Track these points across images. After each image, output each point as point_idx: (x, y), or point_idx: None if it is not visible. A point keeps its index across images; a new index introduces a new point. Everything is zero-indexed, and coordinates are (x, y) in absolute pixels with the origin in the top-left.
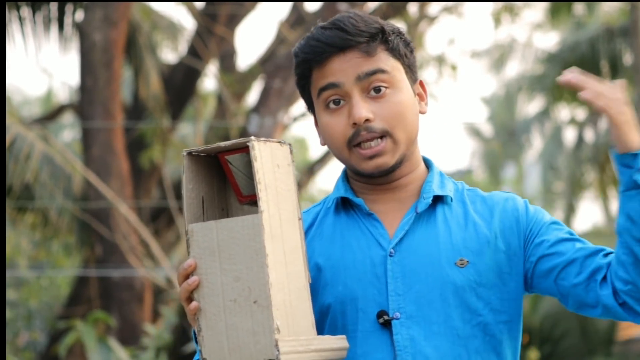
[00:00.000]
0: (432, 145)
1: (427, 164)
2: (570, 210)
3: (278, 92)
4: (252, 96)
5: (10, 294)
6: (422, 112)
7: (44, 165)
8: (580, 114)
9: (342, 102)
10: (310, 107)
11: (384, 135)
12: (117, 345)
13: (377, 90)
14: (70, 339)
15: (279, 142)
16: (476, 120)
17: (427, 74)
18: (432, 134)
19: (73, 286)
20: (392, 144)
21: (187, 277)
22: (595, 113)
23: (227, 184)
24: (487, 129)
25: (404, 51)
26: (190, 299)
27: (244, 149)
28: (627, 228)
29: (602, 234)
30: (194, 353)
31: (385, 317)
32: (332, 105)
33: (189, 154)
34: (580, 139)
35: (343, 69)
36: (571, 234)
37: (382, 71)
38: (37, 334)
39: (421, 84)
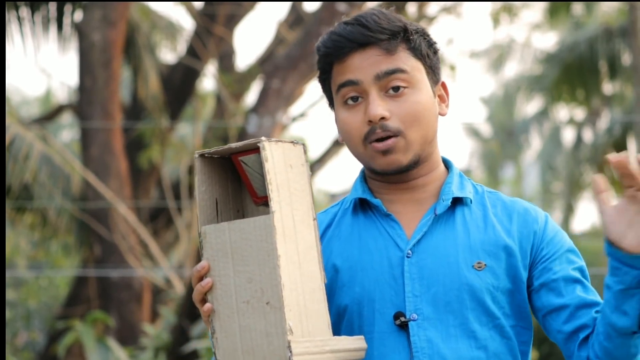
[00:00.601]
0: None
1: (447, 164)
2: (568, 210)
3: (277, 92)
4: (251, 96)
5: (9, 294)
6: (441, 114)
7: (42, 165)
8: (579, 114)
9: (360, 99)
10: (331, 102)
11: (398, 134)
12: (116, 345)
13: (396, 89)
14: (69, 339)
15: (292, 142)
16: (475, 120)
17: None
18: None
19: (72, 286)
20: (405, 143)
21: (201, 278)
22: (594, 113)
23: (242, 185)
24: (485, 129)
25: (427, 51)
26: (204, 300)
27: (257, 150)
28: (620, 324)
29: (600, 234)
30: (193, 353)
31: (402, 319)
32: (350, 102)
33: (201, 155)
34: (578, 139)
35: (362, 66)
36: (581, 270)
37: (402, 71)
38: (36, 334)
39: (443, 86)
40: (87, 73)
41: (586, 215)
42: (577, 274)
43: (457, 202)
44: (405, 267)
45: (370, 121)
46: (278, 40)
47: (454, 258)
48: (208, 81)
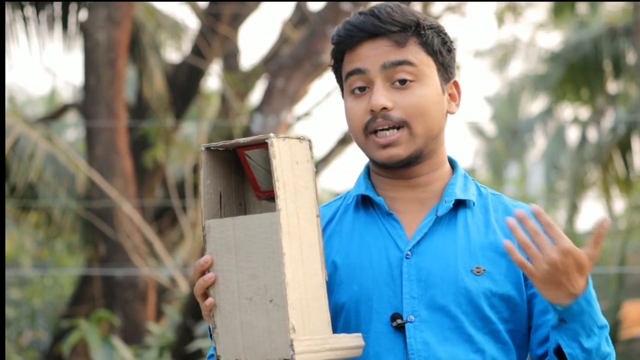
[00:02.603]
0: None
1: (453, 165)
2: (573, 210)
3: (281, 92)
4: (256, 95)
5: (14, 293)
6: (450, 112)
7: (47, 164)
8: (584, 113)
9: (367, 89)
10: (343, 92)
11: (401, 125)
12: (121, 344)
13: (403, 82)
14: (73, 338)
15: (299, 138)
16: (479, 120)
17: None
18: None
19: (76, 285)
20: (409, 135)
21: (203, 273)
22: (598, 112)
23: (244, 179)
24: (490, 128)
25: (439, 48)
26: (206, 295)
27: (263, 145)
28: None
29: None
30: (197, 352)
31: (399, 321)
32: (357, 92)
33: (208, 149)
34: (583, 138)
35: (371, 55)
36: None
37: (409, 63)
38: (40, 333)
39: (455, 84)
40: (91, 72)
41: (591, 214)
42: None
43: (460, 204)
44: (404, 268)
45: (372, 110)
46: (283, 39)
47: (453, 261)
48: (213, 80)
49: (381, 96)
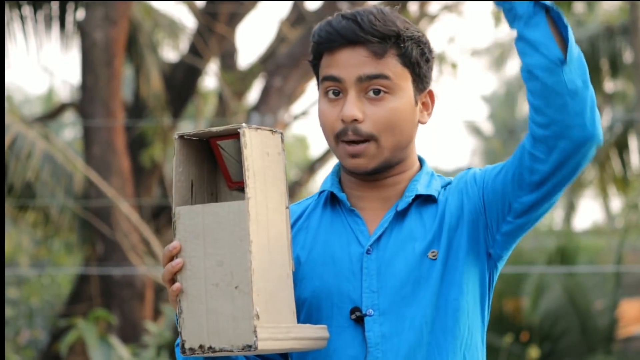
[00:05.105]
0: (432, 143)
1: (422, 164)
2: (570, 209)
3: (279, 91)
4: (253, 94)
5: (12, 293)
6: (421, 122)
7: (45, 163)
8: None
9: (341, 94)
10: (318, 87)
11: (369, 139)
12: (118, 343)
13: (376, 92)
14: (71, 337)
15: (271, 130)
16: (476, 119)
17: None
18: (432, 132)
19: (74, 284)
20: (376, 148)
21: (171, 258)
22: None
23: (217, 168)
24: (487, 127)
25: (417, 59)
26: (173, 280)
27: (236, 135)
28: (535, 62)
29: (602, 232)
30: None
31: (358, 314)
32: (331, 95)
33: (181, 137)
34: None
35: (348, 65)
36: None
37: (385, 77)
38: (38, 332)
39: (430, 94)
40: (89, 71)
41: (587, 213)
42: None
43: (425, 200)
44: (364, 263)
45: (343, 120)
46: (280, 38)
47: (410, 252)
48: (210, 79)
49: (353, 108)
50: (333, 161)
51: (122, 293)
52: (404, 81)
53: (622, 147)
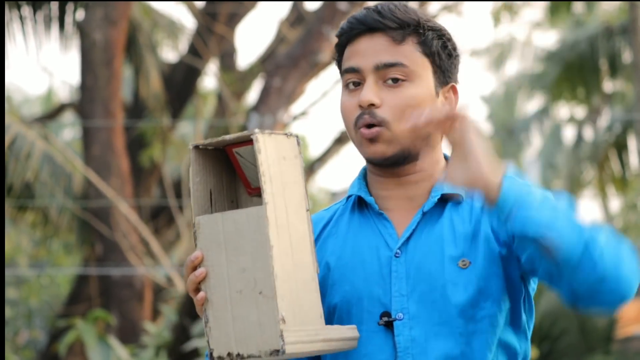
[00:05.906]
0: None
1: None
2: None
3: (278, 91)
4: (252, 95)
5: (11, 293)
6: None
7: (44, 164)
8: (580, 112)
9: (361, 84)
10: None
11: (382, 124)
12: (117, 343)
13: (395, 80)
14: (70, 338)
15: (286, 134)
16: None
17: None
18: None
19: (73, 285)
20: (390, 134)
21: (194, 268)
22: (594, 111)
23: (236, 176)
24: (486, 127)
25: (437, 50)
26: (197, 290)
27: (251, 142)
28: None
29: None
30: (194, 351)
31: (386, 318)
32: (351, 87)
33: (196, 147)
34: (579, 137)
35: (366, 53)
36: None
37: (401, 64)
38: (37, 333)
39: (454, 89)
40: (88, 72)
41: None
42: None
43: (450, 199)
44: (393, 266)
45: (360, 106)
46: (279, 38)
47: (439, 256)
48: (209, 80)
49: (369, 93)
50: (333, 161)
51: (121, 293)
52: (424, 70)
53: (620, 147)
